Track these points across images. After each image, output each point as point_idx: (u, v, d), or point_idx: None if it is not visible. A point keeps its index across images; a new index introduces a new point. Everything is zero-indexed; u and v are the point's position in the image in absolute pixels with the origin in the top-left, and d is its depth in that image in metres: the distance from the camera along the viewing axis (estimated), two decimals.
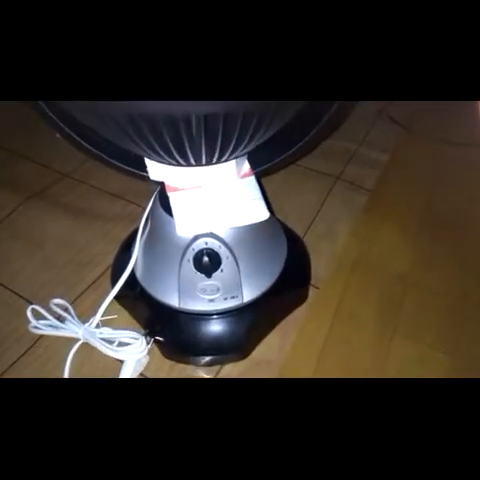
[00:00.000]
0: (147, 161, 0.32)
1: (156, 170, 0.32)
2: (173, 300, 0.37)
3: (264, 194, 0.33)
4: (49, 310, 0.41)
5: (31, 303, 0.41)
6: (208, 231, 0.33)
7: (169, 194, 0.33)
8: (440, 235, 0.51)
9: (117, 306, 0.42)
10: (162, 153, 0.27)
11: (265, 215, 0.31)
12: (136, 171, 0.34)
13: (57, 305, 0.42)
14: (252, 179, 0.34)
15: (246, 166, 0.34)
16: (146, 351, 0.37)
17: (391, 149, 0.63)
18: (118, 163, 0.35)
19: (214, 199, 0.33)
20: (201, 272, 0.35)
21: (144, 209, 0.39)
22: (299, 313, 0.42)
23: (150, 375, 0.38)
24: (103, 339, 0.38)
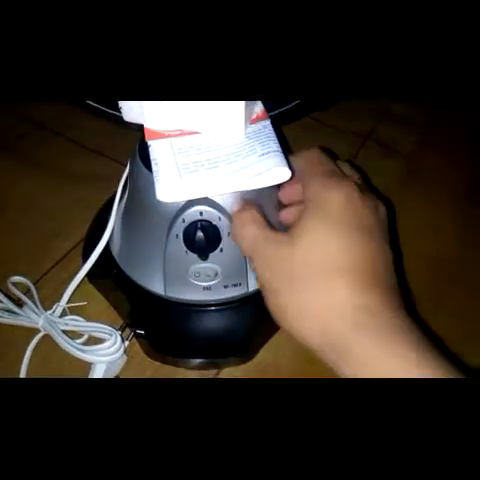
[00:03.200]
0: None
1: (131, 107, 0.23)
2: (157, 286, 0.29)
3: (285, 146, 0.23)
4: (6, 291, 0.33)
5: None
6: (202, 196, 0.24)
7: (149, 142, 0.24)
8: None
9: (92, 289, 0.34)
10: None
11: (285, 175, 0.22)
12: (104, 109, 0.25)
13: (16, 285, 0.33)
14: (267, 124, 0.24)
15: (259, 106, 0.25)
16: (122, 350, 0.29)
17: (431, 106, 0.52)
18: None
19: (212, 151, 0.23)
20: (194, 252, 0.26)
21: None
22: None
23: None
24: (68, 332, 0.30)
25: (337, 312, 0.19)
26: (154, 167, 0.23)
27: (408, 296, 0.26)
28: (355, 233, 0.20)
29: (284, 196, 0.27)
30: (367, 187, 0.25)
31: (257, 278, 0.22)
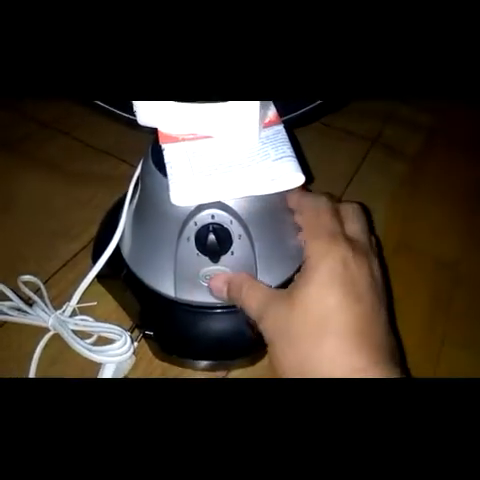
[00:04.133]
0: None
1: (146, 111, 0.23)
2: (168, 287, 0.29)
3: (298, 150, 0.23)
4: (17, 290, 0.33)
5: None
6: (215, 200, 0.24)
7: (163, 146, 0.24)
8: None
9: (101, 290, 0.34)
10: None
11: (299, 180, 0.22)
12: (118, 112, 0.25)
13: (26, 284, 0.34)
14: (280, 129, 0.24)
15: (272, 110, 0.25)
16: (131, 351, 0.29)
17: (438, 109, 0.52)
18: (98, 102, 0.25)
19: (225, 155, 0.23)
20: (205, 254, 0.26)
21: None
22: None
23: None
24: (78, 332, 0.30)
25: (332, 373, 0.20)
26: (168, 171, 0.23)
27: (402, 351, 0.27)
28: (348, 297, 0.22)
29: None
30: (370, 237, 0.26)
31: (265, 336, 0.23)
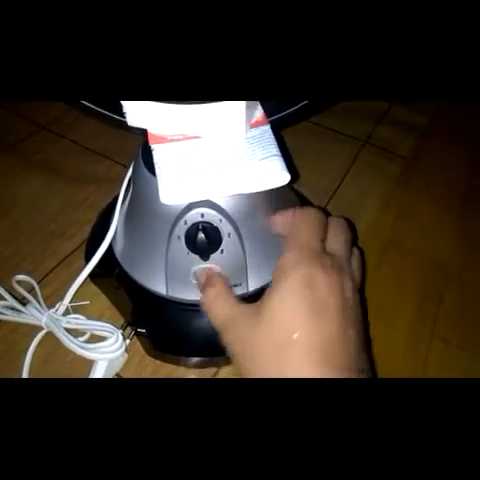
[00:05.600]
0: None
1: (135, 111, 0.24)
2: (159, 286, 0.29)
3: (284, 150, 0.24)
4: (11, 289, 0.33)
5: None
6: (203, 199, 0.25)
7: (152, 146, 0.24)
8: None
9: (94, 289, 0.35)
10: None
11: (284, 178, 0.23)
12: (108, 113, 0.25)
13: (21, 283, 0.34)
14: (267, 129, 0.25)
15: (259, 111, 0.25)
16: (123, 348, 0.29)
17: (430, 110, 0.53)
18: (86, 103, 0.26)
19: (213, 155, 0.24)
20: (195, 253, 0.27)
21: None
22: None
23: (128, 377, 0.30)
24: (71, 330, 0.30)
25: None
26: (157, 171, 0.23)
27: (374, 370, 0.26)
28: (314, 316, 0.21)
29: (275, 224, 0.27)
30: (350, 251, 0.25)
31: (229, 349, 0.23)
